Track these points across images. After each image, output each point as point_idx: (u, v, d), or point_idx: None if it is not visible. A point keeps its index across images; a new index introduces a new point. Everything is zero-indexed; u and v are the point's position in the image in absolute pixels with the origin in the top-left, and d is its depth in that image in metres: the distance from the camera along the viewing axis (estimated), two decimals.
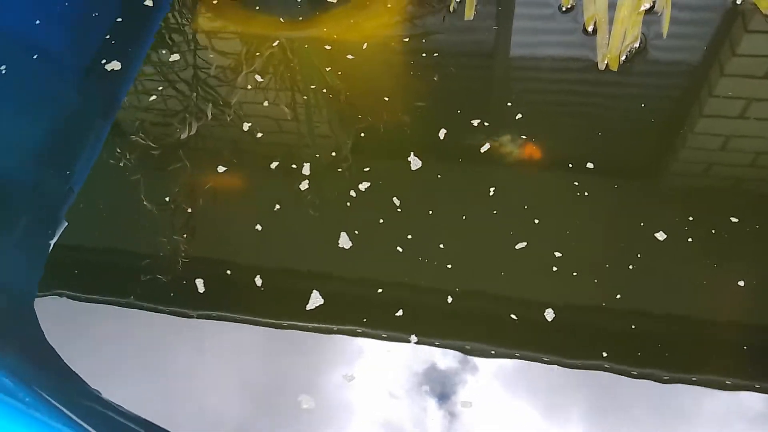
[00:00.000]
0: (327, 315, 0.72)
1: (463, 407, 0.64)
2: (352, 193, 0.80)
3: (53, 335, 0.74)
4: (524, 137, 0.81)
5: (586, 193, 0.76)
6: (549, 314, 0.68)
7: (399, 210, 0.78)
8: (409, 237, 0.76)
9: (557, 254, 0.72)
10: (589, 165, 0.78)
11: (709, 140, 0.82)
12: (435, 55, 0.95)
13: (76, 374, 0.71)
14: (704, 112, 0.85)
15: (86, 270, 0.80)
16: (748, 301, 0.67)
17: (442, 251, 0.74)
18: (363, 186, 0.81)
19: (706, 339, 0.67)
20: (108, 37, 1.05)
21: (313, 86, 0.95)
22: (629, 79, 0.88)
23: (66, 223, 0.83)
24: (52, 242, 0.82)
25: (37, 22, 1.04)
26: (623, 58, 0.90)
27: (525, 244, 0.73)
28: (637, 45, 0.91)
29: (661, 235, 0.72)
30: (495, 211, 0.76)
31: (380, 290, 0.73)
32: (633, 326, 0.67)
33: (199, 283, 0.75)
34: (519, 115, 0.85)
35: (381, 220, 0.77)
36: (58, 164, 0.91)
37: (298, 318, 0.72)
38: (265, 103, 0.94)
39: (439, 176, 0.80)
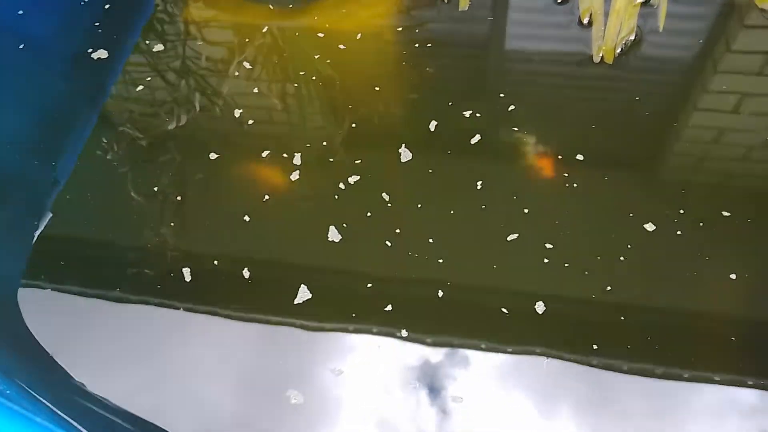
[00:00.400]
0: (315, 309, 0.70)
1: (454, 402, 0.64)
2: (342, 185, 0.79)
3: (37, 327, 0.72)
4: (544, 147, 0.80)
5: (575, 185, 0.76)
6: (540, 307, 0.67)
7: (389, 204, 0.77)
8: (398, 231, 0.75)
9: (548, 246, 0.71)
10: (579, 157, 0.78)
11: (702, 134, 0.81)
12: (428, 45, 0.94)
13: (60, 366, 0.69)
14: (698, 106, 0.84)
15: (71, 261, 0.79)
16: (738, 294, 0.67)
17: (432, 245, 0.73)
18: (353, 179, 0.80)
19: (695, 331, 0.66)
20: (96, 24, 1.03)
21: (302, 73, 0.93)
22: (624, 72, 0.87)
23: (51, 215, 0.82)
24: (37, 233, 0.80)
25: (20, 12, 1.02)
26: (618, 50, 0.89)
27: (516, 235, 0.73)
28: (632, 38, 0.90)
29: (650, 227, 0.71)
30: (485, 203, 0.75)
31: (369, 285, 0.71)
32: (623, 318, 0.66)
33: (186, 273, 0.74)
34: (512, 107, 0.84)
35: (370, 213, 0.76)
36: (44, 155, 0.89)
37: (285, 312, 0.71)
38: (255, 90, 0.92)
39: (428, 168, 0.79)
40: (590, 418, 0.62)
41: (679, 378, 0.63)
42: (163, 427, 0.64)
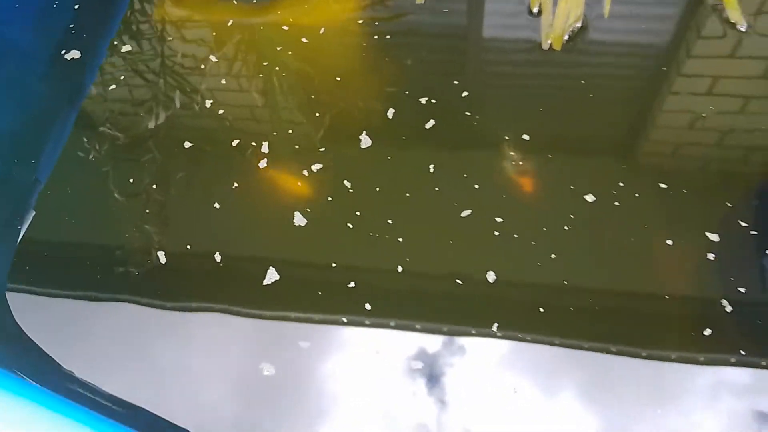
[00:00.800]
0: (283, 289, 0.75)
1: (415, 367, 0.69)
2: (305, 172, 0.84)
3: (26, 322, 0.76)
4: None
5: (521, 163, 0.81)
6: (491, 276, 0.73)
7: (350, 189, 0.82)
8: (358, 214, 0.79)
9: (498, 219, 0.77)
10: (525, 137, 0.83)
11: (640, 113, 0.87)
12: (387, 37, 0.98)
13: (51, 358, 0.73)
14: (637, 87, 0.90)
15: (54, 257, 0.82)
16: (673, 258, 0.73)
17: (391, 226, 0.78)
18: (316, 167, 0.84)
19: (633, 293, 0.71)
20: (71, 26, 1.06)
21: (265, 63, 0.98)
22: (571, 58, 0.93)
23: (34, 213, 0.86)
24: (21, 233, 0.84)
25: None
26: (566, 38, 0.94)
27: (469, 212, 0.78)
28: (579, 25, 0.95)
29: (590, 198, 0.77)
30: (439, 184, 0.81)
31: (334, 264, 0.76)
32: (565, 282, 0.72)
33: (162, 256, 0.79)
34: (465, 93, 0.89)
35: (332, 198, 0.81)
36: (25, 154, 0.93)
37: (255, 292, 0.75)
38: (223, 81, 0.97)
39: (386, 153, 0.84)
40: (537, 377, 0.67)
41: (611, 338, 0.69)
42: (140, 405, 0.69)
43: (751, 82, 0.87)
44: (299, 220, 0.80)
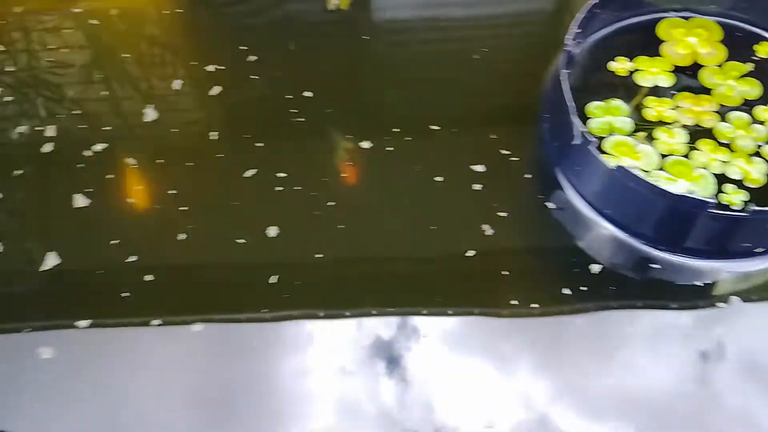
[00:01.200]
0: (63, 272, 0.73)
1: (194, 332, 0.68)
2: (88, 153, 0.81)
3: None
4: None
5: (302, 119, 0.83)
6: (272, 231, 0.74)
7: (134, 164, 0.81)
8: (141, 187, 0.79)
9: (281, 175, 0.78)
10: (308, 94, 0.85)
11: (416, 64, 0.91)
12: (178, 10, 0.97)
13: None
14: (416, 39, 0.94)
15: None
16: (443, 191, 0.77)
17: (176, 195, 0.77)
18: (100, 146, 0.82)
19: (404, 227, 0.75)
20: None
21: (52, 47, 0.94)
22: (356, 16, 0.95)
23: None
24: None
25: None
26: None
27: (254, 171, 0.79)
28: None
29: (366, 144, 0.80)
30: (222, 149, 0.81)
31: (117, 241, 0.74)
32: (341, 226, 0.74)
33: None
34: (253, 57, 0.89)
35: (114, 176, 0.79)
36: None
37: (32, 279, 0.72)
38: (12, 69, 0.92)
39: (170, 125, 0.84)
40: (320, 310, 0.69)
41: (383, 269, 0.73)
42: None
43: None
44: (80, 201, 0.78)
